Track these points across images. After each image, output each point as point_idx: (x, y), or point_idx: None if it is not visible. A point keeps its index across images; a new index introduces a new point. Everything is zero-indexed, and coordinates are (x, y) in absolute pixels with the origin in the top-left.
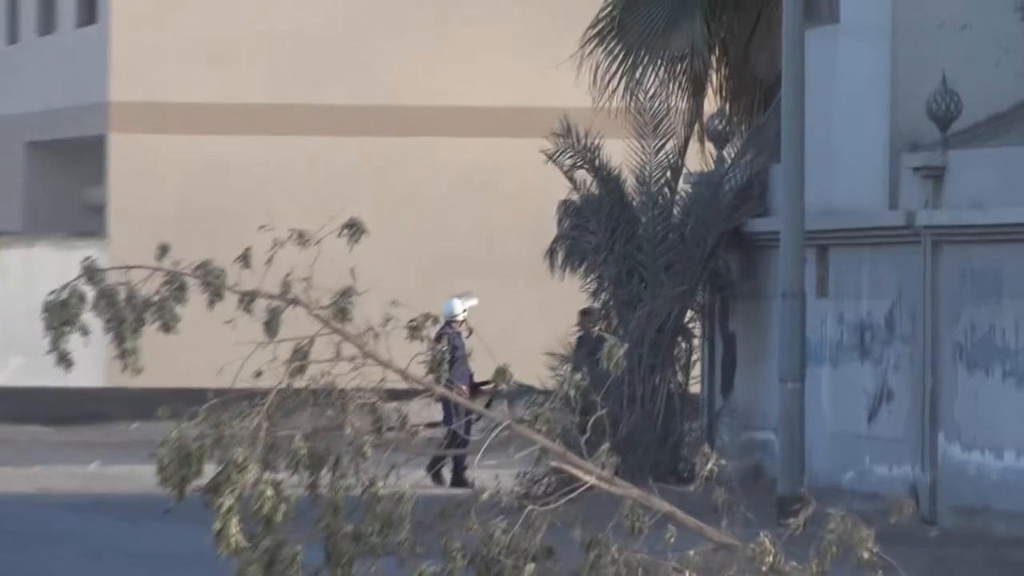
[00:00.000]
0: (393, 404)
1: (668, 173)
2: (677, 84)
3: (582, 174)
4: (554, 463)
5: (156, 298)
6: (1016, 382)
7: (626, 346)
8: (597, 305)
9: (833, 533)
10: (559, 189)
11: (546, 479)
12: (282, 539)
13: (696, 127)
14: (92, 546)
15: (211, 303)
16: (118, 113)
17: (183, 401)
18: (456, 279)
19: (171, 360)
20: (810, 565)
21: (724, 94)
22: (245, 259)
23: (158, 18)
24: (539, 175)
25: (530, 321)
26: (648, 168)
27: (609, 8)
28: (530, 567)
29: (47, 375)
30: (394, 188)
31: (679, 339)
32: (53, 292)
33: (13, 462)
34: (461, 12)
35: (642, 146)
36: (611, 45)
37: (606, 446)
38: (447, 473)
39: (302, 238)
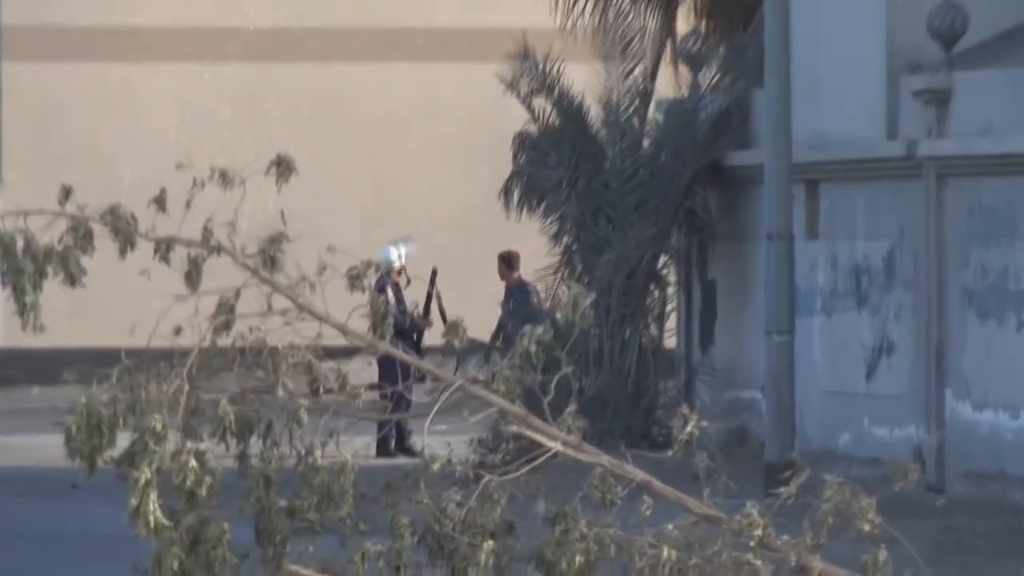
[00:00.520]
0: (331, 363)
1: (637, 100)
2: (647, 0)
3: (540, 103)
4: (514, 428)
5: (59, 247)
6: None
7: (592, 295)
8: (515, 249)
9: (829, 503)
10: (514, 120)
11: (505, 446)
12: (207, 516)
13: (668, 48)
14: None
15: (122, 252)
16: (12, 39)
17: (92, 363)
18: (398, 222)
19: (78, 317)
20: (804, 538)
21: (699, 11)
22: (160, 202)
23: None
24: (491, 105)
25: (483, 268)
26: (615, 95)
27: None
28: (488, 544)
29: None
30: (328, 121)
31: (652, 287)
32: None
33: None
34: None
35: (607, 70)
36: None
37: (572, 408)
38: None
39: (224, 178)
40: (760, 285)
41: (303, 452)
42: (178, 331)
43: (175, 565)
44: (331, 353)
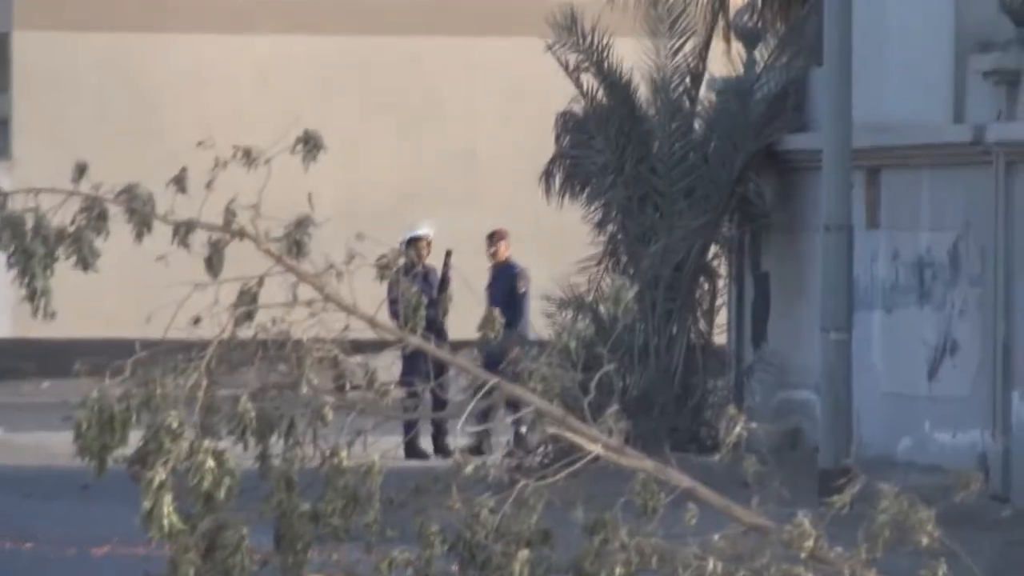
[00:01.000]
0: (358, 358)
1: (688, 79)
2: None
3: (587, 79)
4: (552, 429)
5: (71, 228)
6: None
7: (637, 288)
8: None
9: (886, 513)
10: (558, 97)
11: (542, 449)
12: (225, 520)
13: (721, 24)
14: None
15: (138, 235)
16: (23, 6)
17: (105, 354)
18: (433, 207)
19: (91, 305)
20: (858, 551)
21: None
22: (180, 182)
23: None
24: (533, 82)
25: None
26: (664, 73)
27: None
28: (523, 554)
29: None
30: (360, 98)
31: (701, 279)
32: None
33: None
34: None
35: (656, 47)
36: None
37: (614, 408)
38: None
39: (248, 157)
40: (816, 278)
41: (327, 453)
42: (197, 321)
43: (190, 573)
44: (359, 347)
